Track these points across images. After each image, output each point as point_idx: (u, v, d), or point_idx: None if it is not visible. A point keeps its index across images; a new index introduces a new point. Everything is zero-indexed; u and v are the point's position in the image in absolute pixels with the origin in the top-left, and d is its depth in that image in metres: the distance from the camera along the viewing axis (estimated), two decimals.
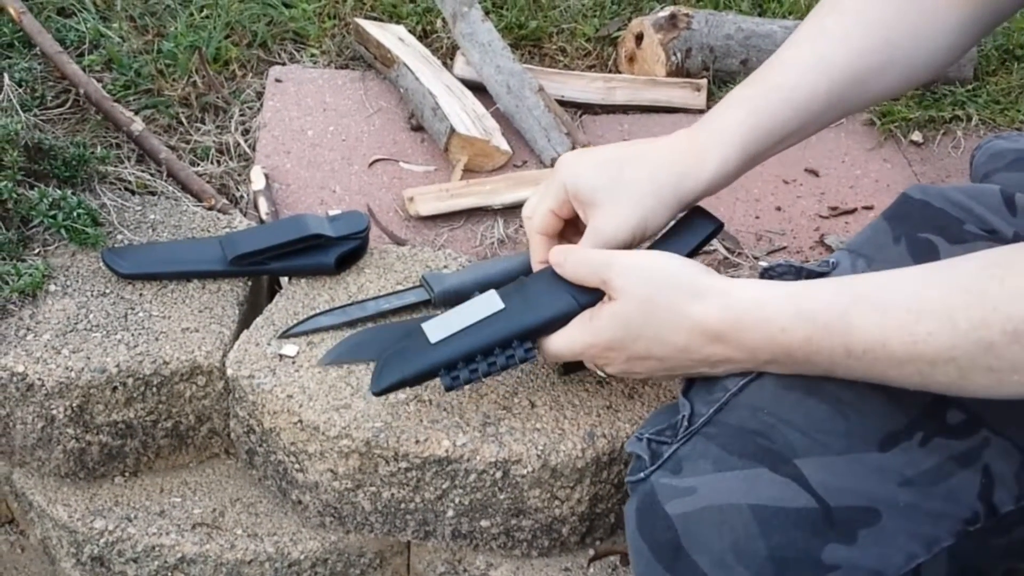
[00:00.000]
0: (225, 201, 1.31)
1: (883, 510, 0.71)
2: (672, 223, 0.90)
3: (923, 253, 0.81)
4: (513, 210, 1.35)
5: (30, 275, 1.08)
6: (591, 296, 0.84)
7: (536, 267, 0.94)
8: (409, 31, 1.66)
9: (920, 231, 0.83)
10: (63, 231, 1.13)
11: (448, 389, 0.87)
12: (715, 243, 1.31)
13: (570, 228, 0.93)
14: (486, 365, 0.86)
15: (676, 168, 0.87)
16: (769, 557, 0.70)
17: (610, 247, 0.87)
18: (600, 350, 0.83)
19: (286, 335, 1.05)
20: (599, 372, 0.88)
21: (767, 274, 0.87)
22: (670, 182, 0.87)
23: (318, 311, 1.08)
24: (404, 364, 0.87)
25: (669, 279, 0.78)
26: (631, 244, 0.87)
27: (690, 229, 0.92)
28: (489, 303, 0.87)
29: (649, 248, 0.90)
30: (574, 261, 0.85)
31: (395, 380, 0.87)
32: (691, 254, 0.90)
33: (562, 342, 0.86)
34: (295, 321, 1.06)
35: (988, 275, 0.65)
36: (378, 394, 0.88)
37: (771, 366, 0.75)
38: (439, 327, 0.87)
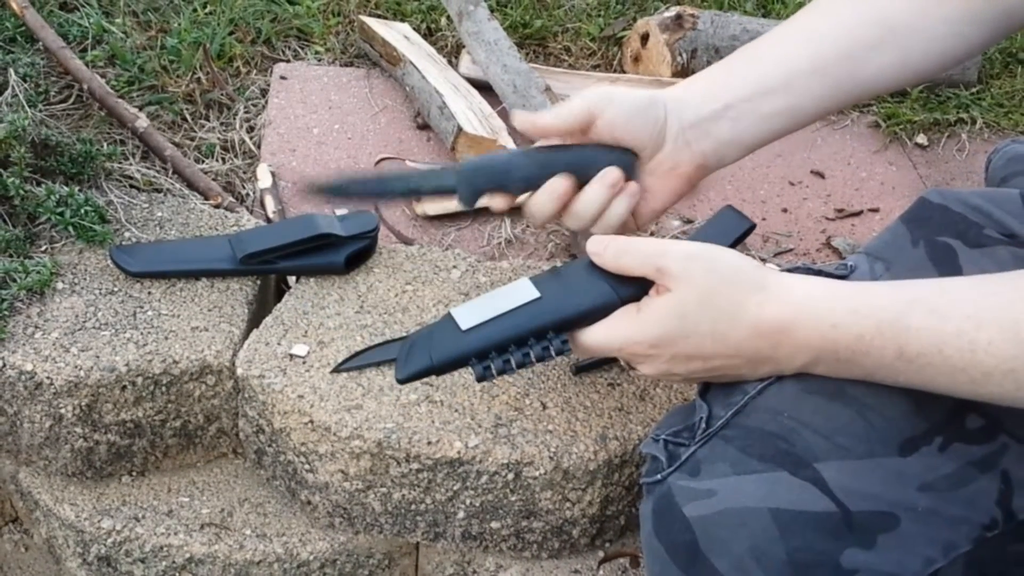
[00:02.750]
0: (231, 199, 1.30)
1: (902, 515, 0.71)
2: (704, 222, 0.88)
3: (942, 257, 0.81)
4: (520, 210, 1.34)
5: (38, 273, 1.07)
6: (632, 289, 0.80)
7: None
8: (414, 29, 1.66)
9: (939, 235, 0.83)
10: (70, 228, 1.12)
11: (480, 380, 0.82)
12: None
13: None
14: (520, 356, 0.81)
15: (668, 100, 0.89)
16: (788, 561, 0.70)
17: (588, 100, 0.86)
18: (645, 347, 0.78)
19: (338, 370, 1.02)
20: (629, 369, 0.85)
21: None
22: (652, 93, 0.88)
23: (372, 344, 1.04)
24: (432, 351, 0.82)
25: (734, 271, 0.75)
26: (605, 104, 0.87)
27: (722, 227, 0.89)
28: (523, 291, 0.82)
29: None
30: (618, 249, 0.80)
31: (422, 367, 0.82)
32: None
33: (600, 335, 0.81)
34: (307, 318, 1.06)
35: None
36: (403, 381, 0.83)
37: (811, 367, 0.74)
38: (470, 313, 0.82)
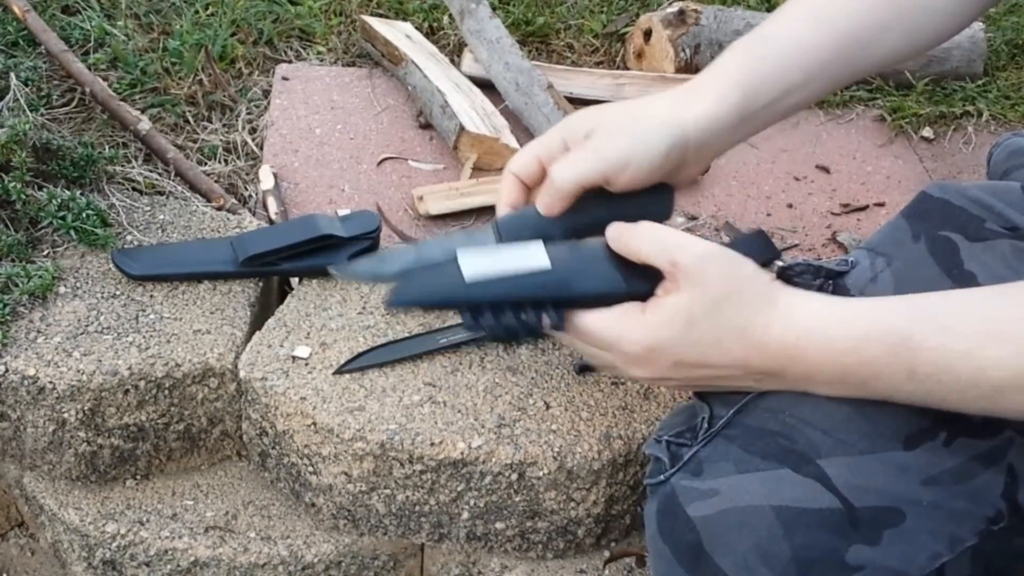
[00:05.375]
0: (234, 201, 1.30)
1: (907, 510, 0.71)
2: (731, 243, 0.84)
3: (943, 251, 0.81)
4: None
5: (40, 277, 1.07)
6: (643, 284, 0.77)
7: (501, 210, 0.89)
8: (416, 28, 1.65)
9: (940, 229, 0.82)
10: (72, 232, 1.12)
11: (467, 329, 0.81)
12: (727, 241, 1.31)
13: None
14: (512, 319, 0.79)
15: (674, 102, 0.85)
16: (793, 558, 0.69)
17: (598, 166, 0.83)
18: (641, 348, 0.75)
19: (340, 372, 1.01)
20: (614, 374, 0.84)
21: (784, 273, 0.86)
22: (668, 110, 0.84)
23: (371, 346, 1.04)
24: (430, 288, 0.80)
25: (747, 281, 0.73)
26: (620, 168, 0.83)
27: (746, 250, 0.84)
28: (535, 257, 0.80)
29: None
30: (636, 235, 0.77)
31: (414, 299, 0.81)
32: None
33: (597, 322, 0.77)
34: (309, 320, 1.06)
35: None
36: (391, 306, 0.81)
37: (820, 388, 0.73)
38: (477, 264, 0.80)
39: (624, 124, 0.84)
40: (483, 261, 0.80)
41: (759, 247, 0.86)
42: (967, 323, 0.66)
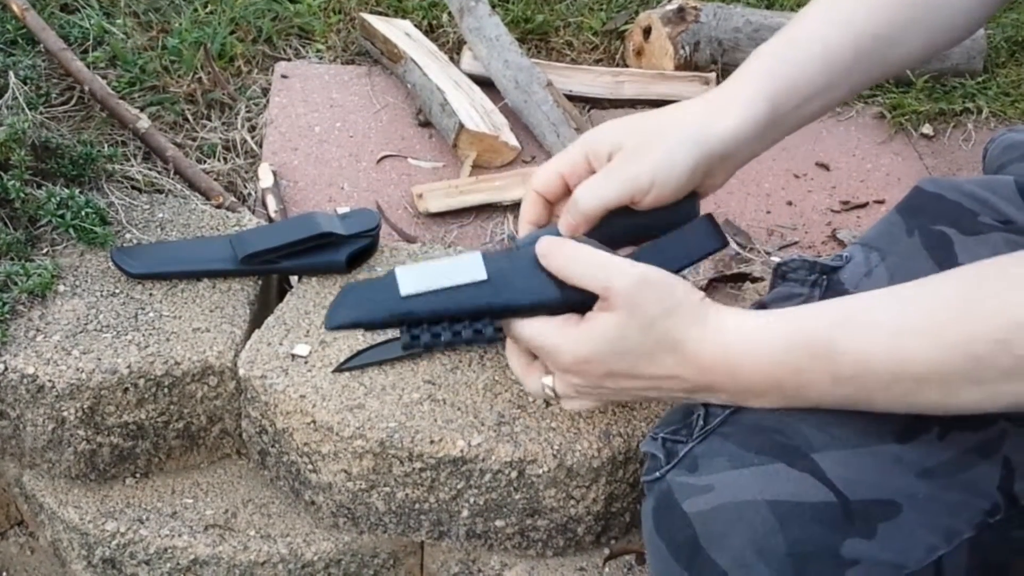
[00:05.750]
0: (233, 199, 1.30)
1: (903, 502, 0.70)
2: (678, 231, 0.85)
3: (937, 245, 0.81)
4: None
5: (39, 275, 1.07)
6: (577, 295, 0.77)
7: (523, 228, 0.90)
8: (415, 26, 1.65)
9: (934, 223, 0.83)
10: (71, 231, 1.12)
11: (405, 348, 0.80)
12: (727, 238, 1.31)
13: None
14: (450, 334, 0.79)
15: (700, 117, 0.84)
16: (788, 553, 0.69)
17: (623, 188, 0.82)
18: (572, 360, 0.76)
19: (340, 370, 1.01)
20: (542, 387, 0.81)
21: (781, 269, 0.86)
22: (694, 126, 0.83)
23: (375, 343, 1.03)
24: (366, 306, 0.79)
25: (683, 300, 0.74)
26: (645, 190, 0.83)
27: (694, 240, 0.86)
28: (471, 269, 0.79)
29: (647, 250, 0.84)
30: (568, 257, 0.77)
31: (351, 320, 0.80)
32: (687, 265, 0.86)
33: (534, 330, 0.78)
34: (309, 318, 1.06)
35: (971, 287, 0.65)
36: (331, 329, 0.81)
37: (761, 400, 0.74)
38: (413, 279, 0.79)
39: (649, 144, 0.83)
40: (420, 274, 0.79)
41: (706, 236, 0.85)
42: (883, 321, 0.67)
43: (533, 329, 0.78)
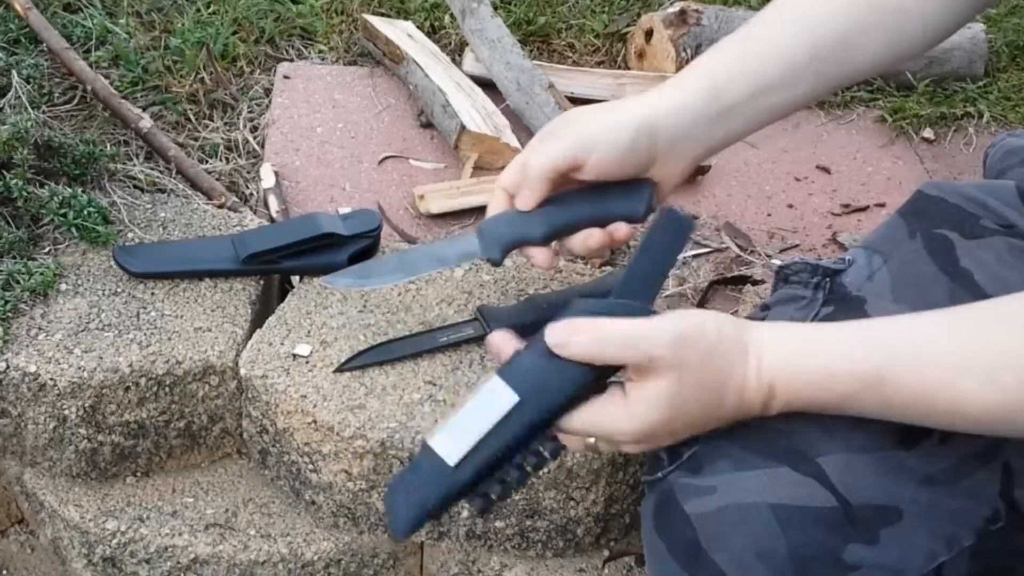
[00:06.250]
0: (235, 199, 1.30)
1: (905, 509, 0.71)
2: (646, 234, 0.80)
3: (939, 249, 0.81)
4: None
5: (41, 274, 1.07)
6: (611, 368, 0.72)
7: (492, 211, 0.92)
8: (417, 27, 1.65)
9: (936, 227, 0.83)
10: (74, 230, 1.12)
11: (482, 513, 0.74)
12: (727, 241, 1.31)
13: None
14: (517, 472, 0.73)
15: (646, 98, 0.87)
16: (789, 556, 0.70)
17: (567, 146, 0.84)
18: (633, 436, 0.72)
19: (341, 370, 1.01)
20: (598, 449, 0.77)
21: (783, 272, 0.86)
22: (638, 103, 0.86)
23: (372, 344, 1.03)
24: (425, 496, 0.72)
25: (718, 342, 0.71)
26: (589, 149, 0.84)
27: (670, 234, 0.80)
28: (500, 398, 0.72)
29: (632, 266, 0.79)
30: (591, 340, 0.71)
31: (417, 518, 0.72)
32: (675, 259, 0.82)
33: (581, 423, 0.73)
34: (310, 318, 1.06)
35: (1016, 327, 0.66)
36: (402, 539, 0.74)
37: (800, 411, 0.73)
38: (452, 442, 0.72)
39: (593, 114, 0.87)
40: (456, 433, 0.72)
41: (676, 225, 0.79)
42: (935, 358, 0.67)
43: (582, 421, 0.73)
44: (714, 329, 0.71)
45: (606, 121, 0.86)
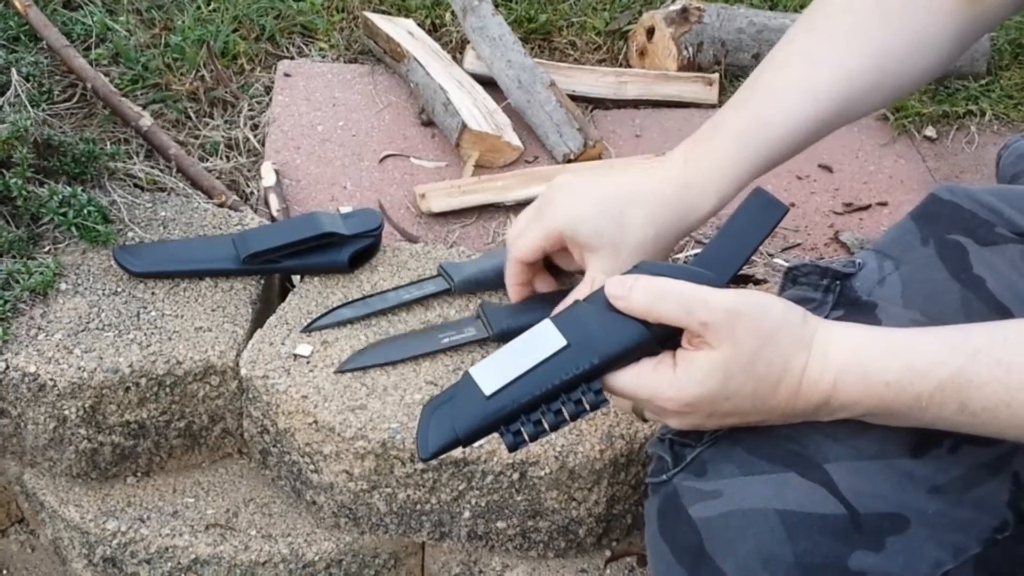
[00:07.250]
0: (235, 197, 1.30)
1: (912, 517, 0.70)
2: (736, 212, 0.81)
3: (952, 255, 0.80)
4: (525, 207, 1.34)
5: (41, 274, 1.07)
6: (667, 328, 0.72)
7: (512, 290, 0.96)
8: (418, 25, 1.65)
9: (949, 232, 0.82)
10: (74, 229, 1.12)
11: (512, 449, 0.73)
12: None
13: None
14: (553, 417, 0.72)
15: (676, 209, 0.88)
16: (795, 563, 0.69)
17: (531, 249, 0.89)
18: (677, 404, 0.71)
19: (308, 329, 1.03)
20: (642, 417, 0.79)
21: (791, 273, 0.85)
22: (672, 221, 0.88)
23: (338, 304, 1.07)
24: (456, 420, 0.72)
25: (779, 328, 0.70)
26: (556, 246, 0.90)
27: (756, 217, 0.80)
28: (548, 338, 0.73)
29: (716, 241, 0.80)
30: (649, 294, 0.71)
31: (445, 441, 0.73)
32: (760, 242, 0.83)
33: (631, 381, 0.73)
34: (311, 317, 1.05)
35: None
36: (428, 459, 0.74)
37: (856, 417, 0.71)
38: (493, 374, 0.72)
39: (630, 240, 0.88)
40: (498, 366, 0.73)
41: (764, 208, 0.81)
42: (1022, 357, 0.65)
43: (628, 379, 0.73)
44: (779, 313, 0.70)
45: (649, 254, 0.88)
